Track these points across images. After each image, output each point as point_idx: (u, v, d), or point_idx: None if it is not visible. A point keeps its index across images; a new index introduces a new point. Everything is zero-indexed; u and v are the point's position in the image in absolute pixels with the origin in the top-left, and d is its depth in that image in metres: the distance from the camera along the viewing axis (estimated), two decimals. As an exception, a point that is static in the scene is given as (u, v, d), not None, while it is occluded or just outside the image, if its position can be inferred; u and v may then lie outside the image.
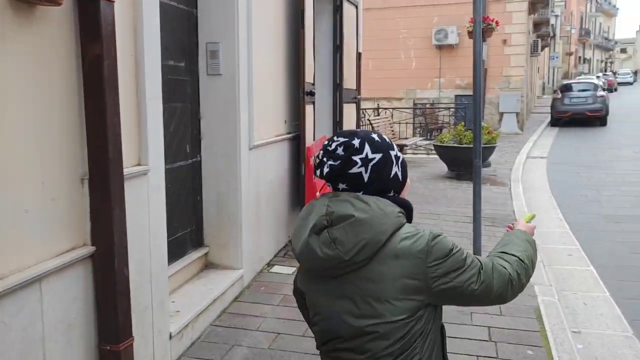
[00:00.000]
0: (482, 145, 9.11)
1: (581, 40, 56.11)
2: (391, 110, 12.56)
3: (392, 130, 11.40)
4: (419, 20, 17.59)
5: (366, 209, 1.33)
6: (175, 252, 3.77)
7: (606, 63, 74.17)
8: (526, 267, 1.51)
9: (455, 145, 9.25)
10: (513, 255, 1.51)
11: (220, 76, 4.05)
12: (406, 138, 12.26)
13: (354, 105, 9.13)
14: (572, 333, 3.59)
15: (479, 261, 1.42)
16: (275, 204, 4.99)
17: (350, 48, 8.46)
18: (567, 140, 15.59)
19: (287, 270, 4.60)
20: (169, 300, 3.16)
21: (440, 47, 17.54)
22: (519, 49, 17.25)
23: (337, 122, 7.95)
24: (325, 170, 1.40)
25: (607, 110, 19.78)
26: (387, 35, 17.95)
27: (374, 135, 1.43)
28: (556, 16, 39.82)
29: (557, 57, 35.63)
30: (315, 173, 1.44)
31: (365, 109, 11.93)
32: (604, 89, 20.58)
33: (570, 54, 47.20)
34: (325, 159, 1.40)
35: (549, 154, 13.10)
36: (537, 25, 24.01)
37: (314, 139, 5.91)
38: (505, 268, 1.45)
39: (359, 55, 9.32)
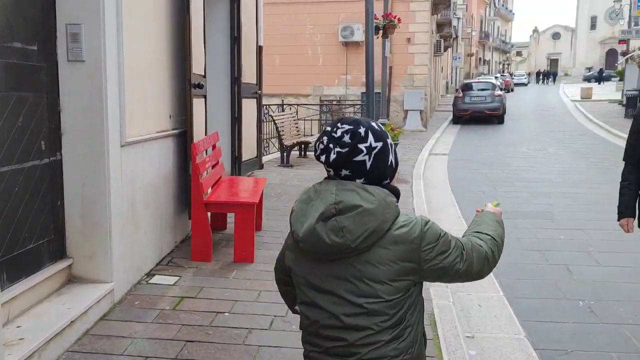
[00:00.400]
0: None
1: (481, 43, 59.06)
2: (296, 106, 12.28)
3: (297, 127, 11.14)
4: (325, 17, 17.50)
5: (371, 199, 1.42)
6: (25, 267, 3.22)
7: (504, 65, 78.67)
8: (498, 245, 1.64)
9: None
10: (486, 234, 1.63)
11: (83, 63, 3.52)
12: (311, 135, 12.05)
13: (255, 100, 8.77)
14: (465, 338, 3.45)
15: (461, 242, 1.53)
16: (158, 206, 4.52)
17: (249, 40, 8.07)
18: (468, 138, 16.11)
19: (169, 280, 4.16)
20: (2, 328, 2.64)
21: (346, 44, 17.55)
22: (423, 48, 17.62)
23: (236, 118, 7.56)
24: (332, 157, 1.45)
25: (504, 109, 20.76)
26: (294, 30, 17.73)
27: (374, 124, 1.49)
28: (458, 18, 41.46)
29: (459, 58, 37.13)
30: (318, 158, 1.49)
31: (269, 105, 11.58)
32: (501, 89, 21.58)
33: (471, 55, 49.46)
34: (331, 146, 1.45)
35: (450, 150, 13.42)
36: (440, 26, 24.77)
37: (205, 135, 5.49)
38: (481, 247, 1.57)
39: (259, 48, 8.95)
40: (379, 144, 1.46)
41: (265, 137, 10.87)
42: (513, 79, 52.92)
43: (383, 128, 1.51)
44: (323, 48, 17.87)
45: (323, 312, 1.49)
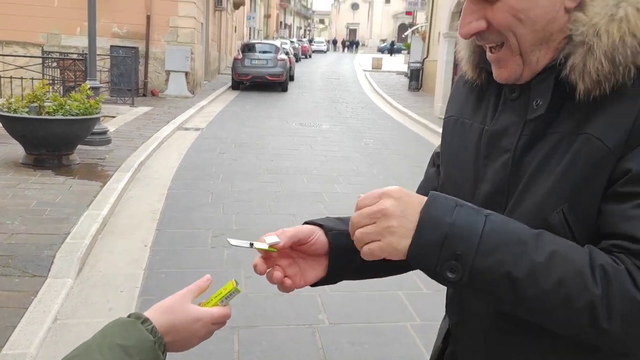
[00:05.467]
0: (71, 118, 6.16)
1: (282, 5, 57.51)
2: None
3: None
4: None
5: None
6: None
7: (305, 30, 78.75)
8: None
9: (29, 116, 5.97)
10: None
11: None
12: None
13: None
14: None
15: None
16: None
17: None
18: (239, 108, 13.69)
19: None
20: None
21: (91, -18, 13.72)
22: (189, -4, 14.58)
23: None
24: None
25: (288, 75, 18.85)
26: (17, -44, 13.36)
27: None
28: (256, -24, 38.87)
29: (253, 18, 34.64)
30: None
31: None
32: (286, 53, 19.55)
33: (268, 16, 47.45)
34: None
35: (208, 124, 10.84)
36: (224, -23, 21.85)
37: None
38: None
39: None
40: None
41: None
42: (312, 45, 52.45)
43: None
44: (59, -16, 13.82)
45: None
